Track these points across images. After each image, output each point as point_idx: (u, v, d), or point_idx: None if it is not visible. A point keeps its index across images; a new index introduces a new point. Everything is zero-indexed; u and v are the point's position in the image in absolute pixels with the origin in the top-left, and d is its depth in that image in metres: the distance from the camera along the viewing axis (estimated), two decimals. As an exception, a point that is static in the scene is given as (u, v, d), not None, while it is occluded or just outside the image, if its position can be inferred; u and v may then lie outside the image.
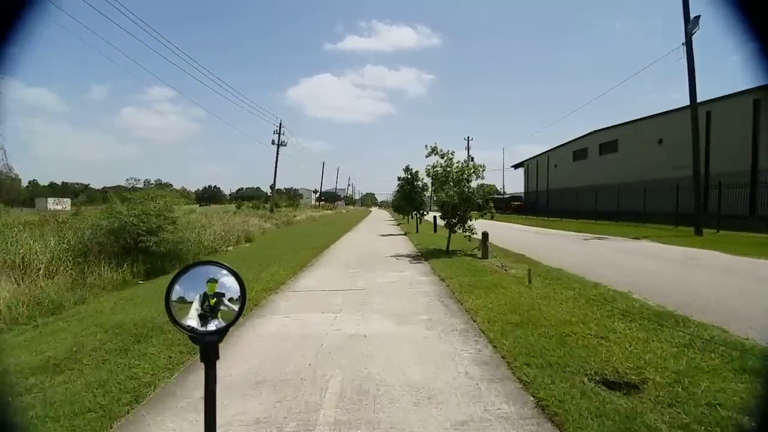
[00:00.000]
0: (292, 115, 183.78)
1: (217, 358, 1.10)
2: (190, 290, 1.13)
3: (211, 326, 1.11)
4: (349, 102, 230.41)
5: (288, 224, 32.41)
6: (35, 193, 75.11)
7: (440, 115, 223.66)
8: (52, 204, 58.30)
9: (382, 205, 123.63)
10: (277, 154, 43.32)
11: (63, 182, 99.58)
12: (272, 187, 48.16)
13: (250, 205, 45.94)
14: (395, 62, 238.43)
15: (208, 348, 1.09)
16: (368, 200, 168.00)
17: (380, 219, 39.99)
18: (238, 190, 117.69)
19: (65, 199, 68.99)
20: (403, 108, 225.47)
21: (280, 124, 43.56)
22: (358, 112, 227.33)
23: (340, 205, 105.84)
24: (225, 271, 1.16)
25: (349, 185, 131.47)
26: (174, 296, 1.12)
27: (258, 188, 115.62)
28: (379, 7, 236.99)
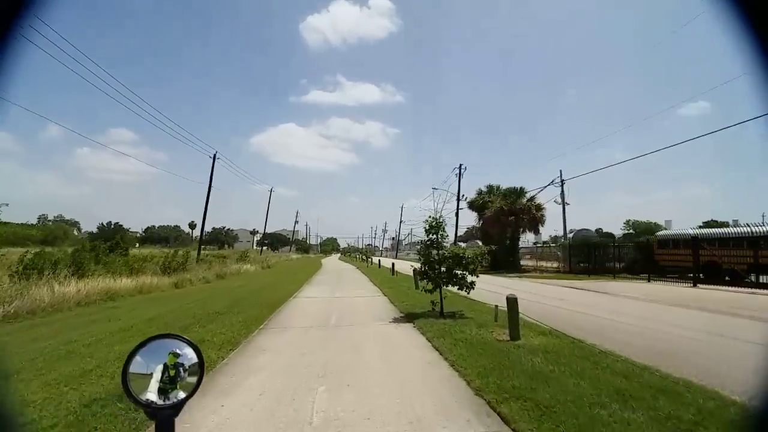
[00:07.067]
0: (258, 161, 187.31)
1: None
2: (151, 362, 1.10)
3: (171, 399, 1.08)
4: (314, 151, 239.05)
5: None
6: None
7: (406, 164, 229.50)
8: None
9: (345, 252, 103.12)
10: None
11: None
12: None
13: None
14: (360, 116, 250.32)
15: (164, 423, 1.06)
16: (329, 246, 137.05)
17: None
18: (147, 228, 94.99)
19: None
20: (369, 158, 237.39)
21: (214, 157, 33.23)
22: (323, 161, 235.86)
23: (284, 252, 79.35)
24: (185, 344, 1.16)
25: (296, 222, 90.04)
26: (133, 368, 1.08)
27: (177, 226, 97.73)
28: (342, 64, 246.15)
